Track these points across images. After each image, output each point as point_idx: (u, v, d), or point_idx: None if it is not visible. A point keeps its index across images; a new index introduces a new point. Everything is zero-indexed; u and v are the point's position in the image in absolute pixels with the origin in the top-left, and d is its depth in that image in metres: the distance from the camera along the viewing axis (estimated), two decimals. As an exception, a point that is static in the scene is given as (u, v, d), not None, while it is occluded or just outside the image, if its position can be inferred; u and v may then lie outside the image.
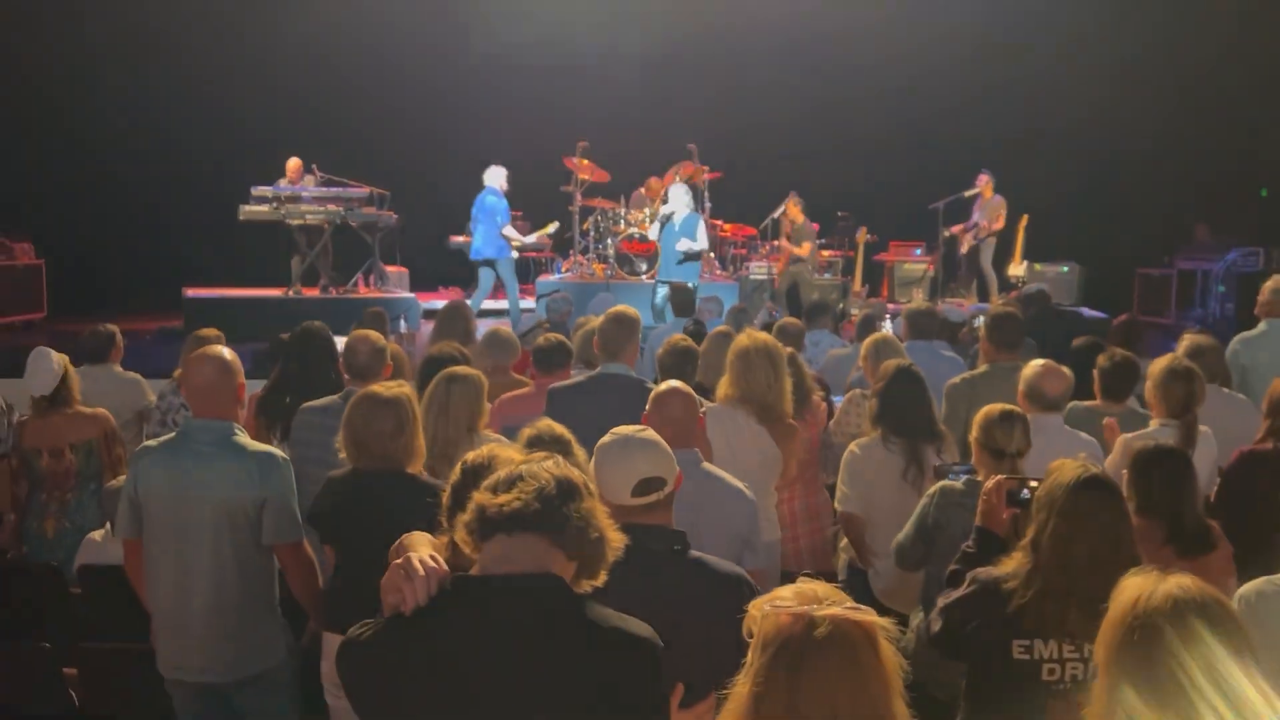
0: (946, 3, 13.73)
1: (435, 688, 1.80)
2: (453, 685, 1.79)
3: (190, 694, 3.46)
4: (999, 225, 12.07)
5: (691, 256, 10.68)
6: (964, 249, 12.43)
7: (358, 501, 3.35)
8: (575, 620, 1.83)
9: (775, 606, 1.68)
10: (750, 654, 1.70)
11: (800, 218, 12.12)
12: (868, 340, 5.61)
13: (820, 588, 1.72)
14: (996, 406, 3.71)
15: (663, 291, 10.35)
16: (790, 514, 4.72)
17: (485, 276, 10.81)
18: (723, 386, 4.40)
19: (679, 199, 10.84)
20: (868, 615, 1.66)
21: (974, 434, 3.71)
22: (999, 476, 3.18)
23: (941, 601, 2.83)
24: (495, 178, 10.65)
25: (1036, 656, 2.58)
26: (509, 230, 10.73)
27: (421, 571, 1.88)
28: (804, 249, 12.06)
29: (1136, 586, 1.79)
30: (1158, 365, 4.44)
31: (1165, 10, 13.05)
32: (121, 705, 3.80)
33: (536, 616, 1.81)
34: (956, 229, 12.39)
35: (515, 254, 10.99)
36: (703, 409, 4.14)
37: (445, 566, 1.95)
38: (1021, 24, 13.74)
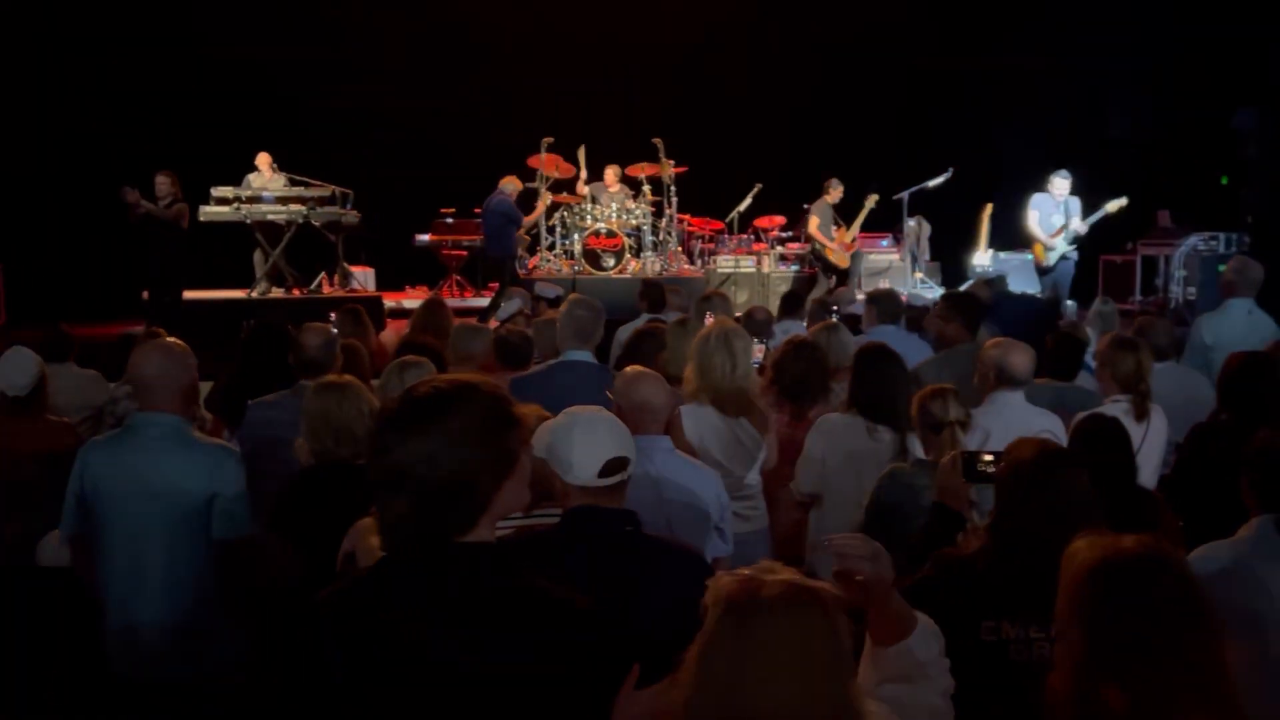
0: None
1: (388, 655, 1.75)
2: (401, 653, 1.74)
3: (141, 694, 3.39)
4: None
5: None
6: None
7: (327, 497, 3.26)
8: (517, 591, 1.78)
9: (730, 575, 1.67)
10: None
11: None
12: (816, 327, 5.53)
13: (780, 567, 1.69)
14: (929, 387, 3.75)
15: None
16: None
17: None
18: (687, 380, 4.19)
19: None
20: (822, 585, 1.63)
21: (912, 413, 3.72)
22: (954, 451, 3.16)
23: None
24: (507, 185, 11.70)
25: (1004, 637, 2.52)
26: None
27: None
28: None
29: (1091, 546, 1.77)
30: (1103, 341, 4.49)
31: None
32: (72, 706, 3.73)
33: (476, 587, 1.76)
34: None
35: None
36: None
37: None
38: (978, 15, 13.79)
